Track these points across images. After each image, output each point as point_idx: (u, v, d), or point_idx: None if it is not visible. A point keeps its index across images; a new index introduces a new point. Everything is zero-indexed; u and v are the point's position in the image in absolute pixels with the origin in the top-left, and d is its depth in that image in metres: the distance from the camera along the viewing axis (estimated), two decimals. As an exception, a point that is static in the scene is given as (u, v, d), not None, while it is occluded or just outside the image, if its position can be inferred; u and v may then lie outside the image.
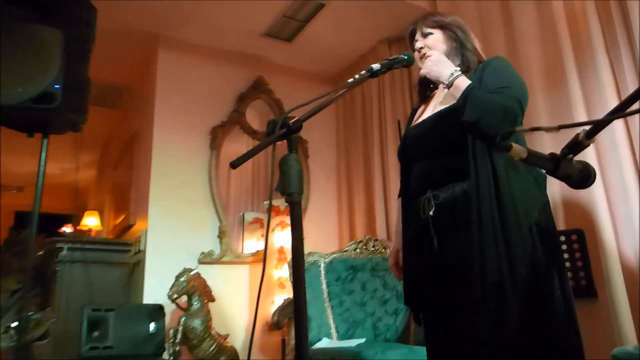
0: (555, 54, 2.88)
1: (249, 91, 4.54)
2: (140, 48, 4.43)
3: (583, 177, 0.96)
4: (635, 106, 0.75)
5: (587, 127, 0.85)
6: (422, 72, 1.77)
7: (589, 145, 0.86)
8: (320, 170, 4.73)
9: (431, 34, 1.86)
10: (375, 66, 1.58)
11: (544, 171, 1.01)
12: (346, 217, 4.57)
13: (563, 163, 0.92)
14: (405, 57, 1.69)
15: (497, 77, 1.67)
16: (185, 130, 4.23)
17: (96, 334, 3.00)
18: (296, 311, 1.10)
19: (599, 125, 0.85)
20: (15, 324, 3.02)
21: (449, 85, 1.64)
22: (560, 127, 0.80)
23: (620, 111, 0.80)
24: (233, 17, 4.04)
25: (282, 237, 3.90)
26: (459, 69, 1.68)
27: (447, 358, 1.65)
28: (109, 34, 4.00)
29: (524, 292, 1.46)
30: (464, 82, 1.61)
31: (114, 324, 3.03)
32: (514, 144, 0.89)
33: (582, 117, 2.63)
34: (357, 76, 1.52)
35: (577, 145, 0.88)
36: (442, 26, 1.86)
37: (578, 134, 0.86)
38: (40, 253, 3.88)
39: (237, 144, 4.43)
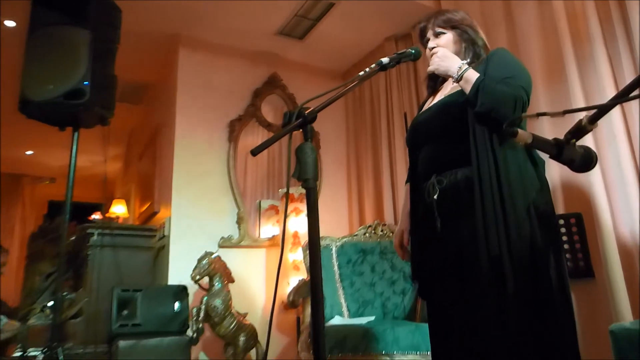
0: (555, 48, 2.83)
1: (264, 87, 4.53)
2: (162, 47, 4.43)
3: (585, 161, 0.94)
4: (636, 92, 0.73)
5: (590, 113, 0.83)
6: (430, 68, 1.75)
7: (591, 130, 0.85)
8: (332, 160, 4.72)
9: (443, 33, 1.84)
10: (385, 60, 1.57)
11: (545, 156, 1.00)
12: (356, 203, 4.56)
13: (566, 148, 0.91)
14: (413, 52, 1.68)
15: (502, 68, 1.65)
16: (205, 124, 4.24)
17: (125, 312, 3.02)
18: (313, 288, 1.10)
19: (602, 111, 0.83)
20: (51, 303, 3.06)
21: (458, 79, 1.62)
22: (565, 112, 0.79)
23: (622, 97, 0.79)
24: (249, 17, 4.03)
25: (296, 223, 3.91)
26: (466, 62, 1.66)
27: (449, 332, 1.65)
28: (134, 35, 4.01)
29: (521, 269, 1.46)
30: (472, 75, 1.60)
31: (141, 303, 3.05)
32: (519, 130, 0.88)
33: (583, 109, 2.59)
34: (367, 69, 1.51)
35: (580, 131, 0.87)
36: (453, 26, 1.84)
37: (581, 120, 0.84)
38: (73, 239, 3.92)
39: (253, 136, 4.43)
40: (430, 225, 1.70)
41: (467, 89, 1.59)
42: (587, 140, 2.44)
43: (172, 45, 4.37)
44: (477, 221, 1.51)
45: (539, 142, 0.92)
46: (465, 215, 1.57)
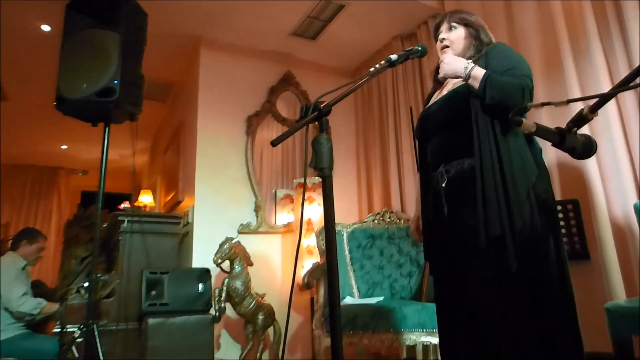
0: (553, 44, 2.79)
1: (278, 84, 4.53)
2: (184, 49, 4.44)
3: (586, 149, 0.93)
4: (636, 82, 0.72)
5: (591, 103, 0.82)
6: (441, 75, 1.74)
7: (592, 119, 0.84)
8: (342, 152, 4.71)
9: (456, 28, 1.84)
10: (393, 57, 1.56)
11: (547, 144, 0.98)
12: (365, 192, 4.56)
13: (568, 136, 0.90)
14: (420, 49, 1.66)
15: (502, 60, 1.65)
16: (225, 119, 4.24)
17: (153, 293, 3.04)
18: (329, 268, 1.10)
19: (603, 100, 0.82)
20: (86, 284, 3.10)
21: (467, 77, 1.61)
22: (569, 101, 0.78)
23: (622, 86, 0.77)
24: (264, 19, 4.01)
25: (309, 211, 3.91)
26: (471, 61, 1.65)
27: (454, 310, 1.65)
28: (159, 37, 4.02)
29: (522, 251, 1.45)
30: (479, 72, 1.59)
31: (168, 284, 3.08)
32: (524, 119, 0.87)
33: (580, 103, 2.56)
34: (377, 66, 1.51)
35: (581, 119, 0.85)
36: (466, 24, 1.84)
37: (582, 109, 0.83)
38: (105, 225, 3.96)
39: (269, 130, 4.43)
40: (438, 211, 1.71)
41: (476, 85, 1.58)
42: (583, 129, 2.40)
43: (193, 46, 4.37)
44: (477, 204, 1.51)
45: (542, 131, 0.91)
46: (470, 201, 1.57)
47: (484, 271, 1.50)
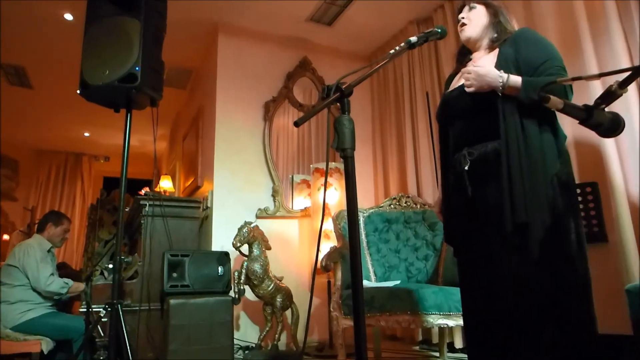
0: (570, 26, 2.72)
1: (295, 70, 4.51)
2: (203, 35, 4.44)
3: (613, 125, 0.91)
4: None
5: (620, 79, 0.80)
6: (470, 90, 1.65)
7: (621, 95, 0.81)
8: (358, 137, 4.57)
9: (475, 8, 1.83)
10: (413, 39, 1.53)
11: (573, 122, 0.96)
12: (381, 177, 4.54)
13: (595, 112, 0.87)
14: (439, 31, 1.64)
15: (536, 50, 1.63)
16: (243, 105, 4.25)
17: (175, 274, 3.08)
18: (351, 246, 1.10)
19: (636, 73, 0.79)
20: (110, 265, 3.15)
21: (504, 88, 1.56)
22: (601, 74, 0.76)
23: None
24: (281, 5, 3.99)
25: (326, 195, 3.91)
26: (502, 71, 1.59)
27: (477, 291, 1.65)
28: (177, 24, 4.02)
29: (543, 234, 1.45)
30: (515, 79, 1.56)
31: (189, 266, 3.11)
32: (551, 97, 0.85)
33: (597, 84, 2.49)
34: (397, 48, 1.48)
35: (610, 95, 0.83)
36: (486, 4, 1.83)
37: (611, 85, 0.80)
38: (127, 209, 4.01)
39: (285, 116, 4.43)
40: (461, 193, 1.71)
41: (515, 93, 1.55)
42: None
43: (211, 32, 4.37)
44: (503, 189, 1.51)
45: (569, 107, 0.89)
46: (493, 182, 1.57)
47: (506, 250, 1.51)
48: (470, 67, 1.68)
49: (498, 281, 1.54)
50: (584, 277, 1.53)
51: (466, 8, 1.85)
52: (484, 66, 1.62)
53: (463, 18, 1.83)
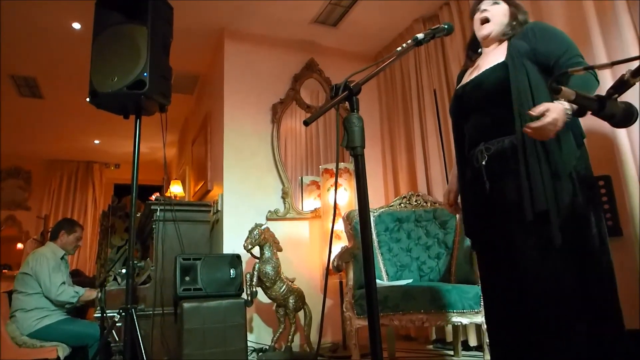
0: (579, 17, 2.68)
1: (302, 72, 4.51)
2: (209, 41, 4.46)
3: (627, 115, 0.89)
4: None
5: (633, 68, 0.78)
6: (551, 136, 1.42)
7: (634, 84, 0.79)
8: (367, 137, 4.57)
9: (499, 4, 1.81)
10: (420, 36, 1.52)
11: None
12: (391, 176, 4.53)
13: (608, 103, 0.86)
14: (446, 27, 1.63)
15: (554, 43, 1.64)
16: (250, 108, 4.26)
17: (187, 278, 3.09)
18: (364, 245, 1.09)
19: (648, 62, 0.78)
20: (123, 271, 3.17)
21: (572, 114, 1.36)
22: (614, 63, 0.74)
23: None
24: (286, 8, 3.99)
25: (337, 195, 3.90)
26: (567, 105, 1.33)
27: (498, 286, 1.65)
28: (183, 30, 4.04)
29: (566, 224, 1.44)
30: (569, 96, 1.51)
31: (201, 270, 3.11)
32: (563, 87, 0.84)
33: (606, 76, 2.46)
34: (404, 45, 1.48)
35: (622, 85, 0.81)
36: (508, 1, 1.81)
37: (624, 74, 0.79)
38: (139, 215, 4.04)
39: (293, 118, 4.43)
40: (479, 188, 1.70)
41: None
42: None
43: (218, 38, 4.39)
44: (521, 179, 1.51)
45: (581, 98, 0.88)
46: (512, 177, 1.57)
47: (529, 244, 1.50)
48: (542, 123, 1.36)
49: (522, 278, 1.52)
50: (609, 271, 1.51)
51: (488, 3, 1.82)
52: (549, 115, 1.34)
53: (486, 10, 1.79)
